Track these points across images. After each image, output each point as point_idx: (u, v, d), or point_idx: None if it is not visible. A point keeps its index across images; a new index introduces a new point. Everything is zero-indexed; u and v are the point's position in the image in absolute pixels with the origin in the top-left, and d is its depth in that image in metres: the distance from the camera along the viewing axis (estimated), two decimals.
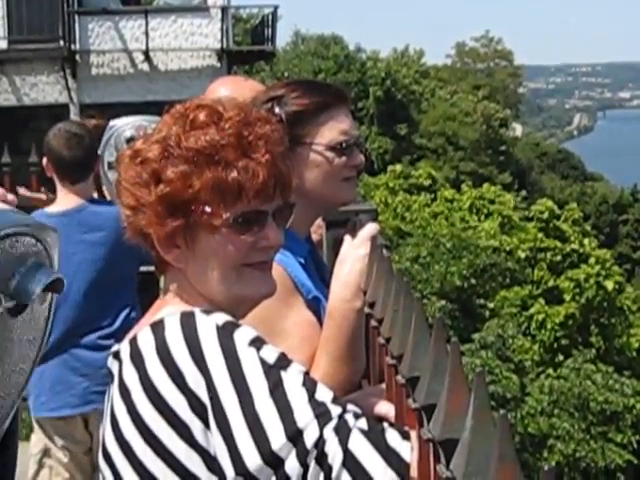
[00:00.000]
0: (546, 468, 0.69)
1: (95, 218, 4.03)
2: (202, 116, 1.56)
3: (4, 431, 1.29)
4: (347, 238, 2.01)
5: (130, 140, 4.21)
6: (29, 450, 4.10)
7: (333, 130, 2.11)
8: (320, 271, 2.21)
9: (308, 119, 2.09)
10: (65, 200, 4.07)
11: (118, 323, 4.04)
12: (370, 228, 1.99)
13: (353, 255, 1.95)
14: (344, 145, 2.11)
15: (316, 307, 2.06)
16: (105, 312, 4.05)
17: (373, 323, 1.66)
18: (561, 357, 27.42)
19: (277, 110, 2.06)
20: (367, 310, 1.77)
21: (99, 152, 4.27)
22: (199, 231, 1.54)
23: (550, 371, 25.28)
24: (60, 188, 4.10)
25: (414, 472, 1.28)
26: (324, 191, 2.11)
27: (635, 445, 23.70)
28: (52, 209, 4.09)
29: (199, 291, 1.58)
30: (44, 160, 4.12)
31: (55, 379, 4.02)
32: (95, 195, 4.29)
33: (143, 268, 4.02)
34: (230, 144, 1.53)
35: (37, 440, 4.12)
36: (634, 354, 29.32)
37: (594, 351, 26.46)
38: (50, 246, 1.25)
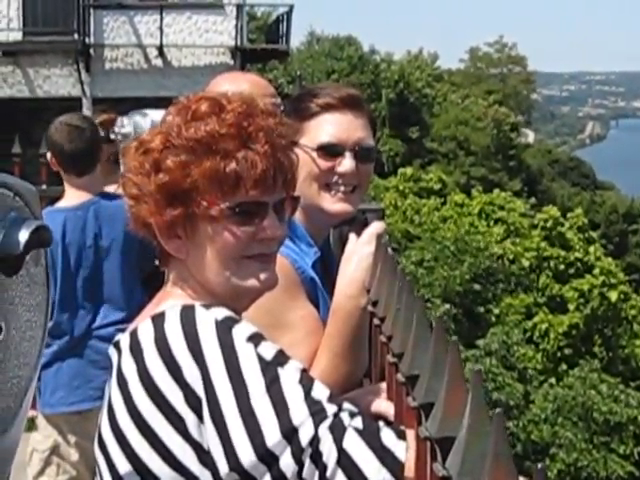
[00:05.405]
0: (539, 466, 0.68)
1: (109, 211, 4.01)
2: (204, 107, 1.57)
3: (29, 402, 1.28)
4: (352, 236, 1.99)
5: (125, 136, 4.21)
6: (31, 445, 4.06)
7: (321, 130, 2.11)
8: (330, 276, 2.17)
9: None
10: (75, 194, 4.05)
11: (134, 315, 4.03)
12: (376, 226, 1.98)
13: (359, 252, 1.94)
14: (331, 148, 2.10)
15: (312, 289, 2.05)
16: (122, 304, 4.04)
17: (375, 321, 1.65)
18: (564, 367, 27.37)
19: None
20: (370, 308, 1.76)
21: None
22: (199, 221, 1.55)
23: (552, 380, 25.22)
24: (67, 183, 4.08)
25: (410, 471, 1.27)
26: (304, 193, 1.96)
27: (637, 457, 23.63)
28: (62, 204, 4.06)
29: (200, 282, 1.58)
30: (48, 154, 4.10)
31: (73, 373, 3.99)
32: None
33: None
34: (229, 134, 1.54)
35: (44, 437, 4.05)
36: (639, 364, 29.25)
37: (597, 362, 26.40)
38: (31, 203, 1.23)
